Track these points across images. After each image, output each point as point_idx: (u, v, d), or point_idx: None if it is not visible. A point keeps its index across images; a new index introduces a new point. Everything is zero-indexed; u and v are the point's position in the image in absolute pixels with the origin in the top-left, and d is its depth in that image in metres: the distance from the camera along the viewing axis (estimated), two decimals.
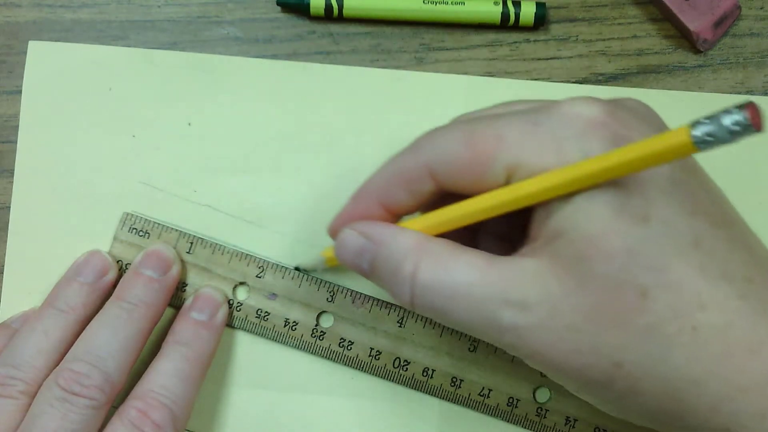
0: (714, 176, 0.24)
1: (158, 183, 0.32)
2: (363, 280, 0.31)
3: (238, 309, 0.31)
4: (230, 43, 0.33)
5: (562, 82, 0.33)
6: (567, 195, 0.22)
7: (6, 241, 0.32)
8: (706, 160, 0.23)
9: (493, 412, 0.31)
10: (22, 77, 0.33)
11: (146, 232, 0.32)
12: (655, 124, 0.24)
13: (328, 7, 0.33)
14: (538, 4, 0.33)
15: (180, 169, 0.33)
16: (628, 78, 0.34)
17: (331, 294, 0.31)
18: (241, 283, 0.32)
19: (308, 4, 0.33)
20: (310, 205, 0.32)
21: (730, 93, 0.33)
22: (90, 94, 0.33)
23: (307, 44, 0.33)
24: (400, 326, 0.31)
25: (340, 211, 0.27)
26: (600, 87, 0.33)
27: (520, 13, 0.33)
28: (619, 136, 0.22)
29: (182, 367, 0.29)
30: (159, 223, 0.32)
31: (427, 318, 0.31)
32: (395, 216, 0.26)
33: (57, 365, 0.28)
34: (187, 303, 0.31)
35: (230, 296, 0.31)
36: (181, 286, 0.31)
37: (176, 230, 0.32)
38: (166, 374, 0.28)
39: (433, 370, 0.31)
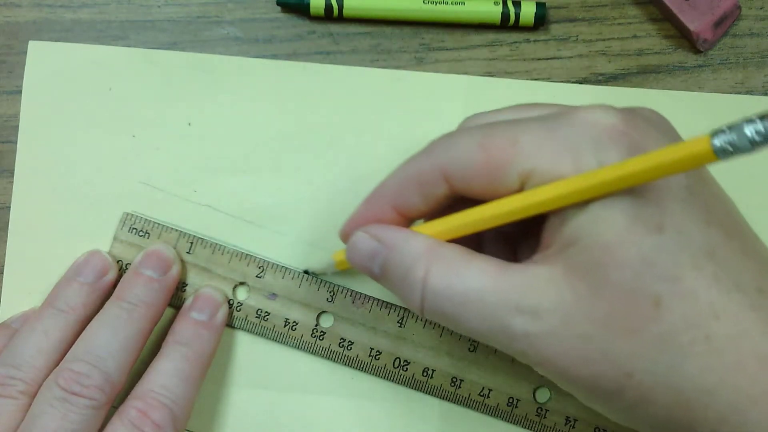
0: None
1: (158, 183, 0.32)
2: (367, 281, 0.31)
3: (238, 309, 0.31)
4: (230, 43, 0.33)
5: (562, 82, 0.33)
6: (582, 202, 0.21)
7: (6, 241, 0.32)
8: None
9: (493, 412, 0.31)
10: (22, 77, 0.33)
11: (146, 232, 0.32)
12: (670, 133, 0.24)
13: (328, 7, 0.33)
14: (538, 4, 0.33)
15: (180, 169, 0.33)
16: (628, 78, 0.34)
17: (331, 294, 0.31)
18: (241, 283, 0.32)
19: (308, 4, 0.33)
20: (310, 205, 0.32)
21: (730, 93, 0.33)
22: (90, 94, 0.33)
23: (307, 44, 0.33)
24: (400, 326, 0.31)
25: (352, 214, 0.27)
26: (600, 87, 0.33)
27: (520, 13, 0.33)
28: (635, 144, 0.22)
29: (182, 367, 0.29)
30: (159, 223, 0.32)
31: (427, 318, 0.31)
32: (408, 220, 0.26)
33: (57, 365, 0.28)
34: (187, 303, 0.31)
35: (230, 296, 0.31)
36: (181, 286, 0.31)
37: (176, 230, 0.32)
38: (166, 374, 0.28)
39: (433, 370, 0.31)
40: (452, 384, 0.31)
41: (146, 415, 0.27)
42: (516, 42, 0.34)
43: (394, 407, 0.32)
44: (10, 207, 0.32)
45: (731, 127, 0.18)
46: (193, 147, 0.33)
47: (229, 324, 0.32)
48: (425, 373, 0.31)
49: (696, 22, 0.33)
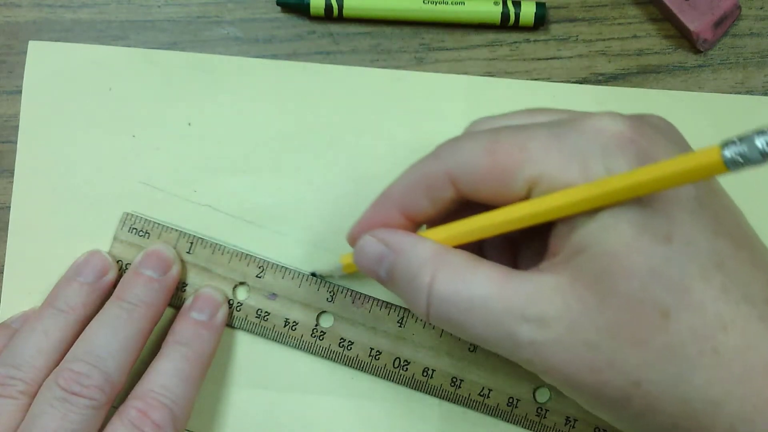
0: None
1: (158, 183, 0.32)
2: (367, 281, 0.31)
3: (238, 309, 0.31)
4: (230, 43, 0.33)
5: (562, 82, 0.33)
6: (591, 211, 0.21)
7: (6, 241, 0.32)
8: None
9: (493, 412, 0.31)
10: (22, 77, 0.33)
11: (146, 232, 0.32)
12: (679, 142, 0.24)
13: (328, 7, 0.33)
14: (538, 4, 0.33)
15: (180, 169, 0.33)
16: (628, 78, 0.34)
17: (331, 294, 0.31)
18: (241, 283, 0.32)
19: (308, 4, 0.33)
20: (310, 205, 0.32)
21: (730, 93, 0.33)
22: (90, 94, 0.33)
23: (307, 44, 0.33)
24: (400, 326, 0.31)
25: (360, 217, 0.27)
26: (600, 87, 0.33)
27: (520, 13, 0.33)
28: (644, 152, 0.22)
29: (182, 367, 0.29)
30: (159, 223, 0.32)
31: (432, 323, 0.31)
32: (415, 224, 0.26)
33: (57, 365, 0.28)
34: (187, 303, 0.31)
35: (230, 296, 0.31)
36: (181, 286, 0.31)
37: (176, 230, 0.32)
38: (166, 374, 0.28)
39: (433, 370, 0.31)
40: (452, 384, 0.31)
41: (146, 415, 0.27)
42: (516, 42, 0.34)
43: (394, 407, 0.32)
44: (10, 207, 0.32)
45: (742, 139, 0.18)
46: (193, 147, 0.33)
47: (229, 324, 0.32)
48: (425, 373, 0.31)
49: (696, 22, 0.33)
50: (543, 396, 0.31)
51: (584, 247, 0.21)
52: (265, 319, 0.31)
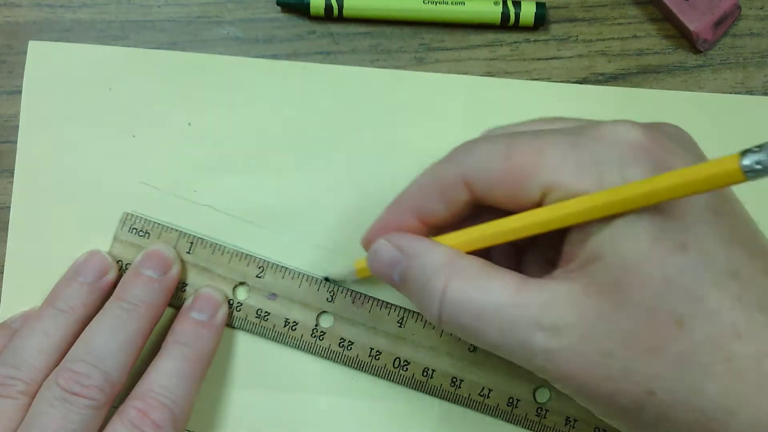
0: None
1: (158, 183, 0.32)
2: (367, 282, 0.31)
3: (238, 309, 0.31)
4: (230, 43, 0.33)
5: (562, 82, 0.33)
6: (605, 219, 0.21)
7: (6, 241, 0.32)
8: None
9: (493, 412, 0.31)
10: (22, 77, 0.33)
11: (146, 232, 0.32)
12: (693, 150, 0.24)
13: (328, 7, 0.33)
14: (538, 4, 0.33)
15: (180, 169, 0.33)
16: (628, 78, 0.34)
17: (331, 294, 0.31)
18: (241, 283, 0.32)
19: (308, 4, 0.33)
20: (310, 205, 0.32)
21: (730, 93, 0.33)
22: (90, 94, 0.33)
23: (307, 44, 0.33)
24: (400, 326, 0.31)
25: (374, 221, 0.27)
26: (600, 87, 0.33)
27: (520, 13, 0.33)
28: (660, 161, 0.22)
29: (182, 367, 0.29)
30: (159, 223, 0.32)
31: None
32: (430, 228, 0.26)
33: (57, 365, 0.28)
34: (187, 303, 0.31)
35: (230, 296, 0.31)
36: (181, 286, 0.31)
37: (176, 230, 0.32)
38: (166, 374, 0.28)
39: (433, 370, 0.31)
40: (452, 384, 0.31)
41: (146, 415, 0.27)
42: (516, 42, 0.34)
43: (394, 407, 0.32)
44: (10, 207, 0.32)
45: (761, 146, 0.18)
46: (193, 147, 0.33)
47: (229, 324, 0.32)
48: (425, 373, 0.31)
49: (696, 22, 0.33)
50: (543, 396, 0.31)
51: (599, 255, 0.22)
52: (265, 319, 0.31)
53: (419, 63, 0.34)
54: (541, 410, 0.31)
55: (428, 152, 0.33)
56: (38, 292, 0.31)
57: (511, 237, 0.24)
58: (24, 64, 0.33)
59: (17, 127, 0.33)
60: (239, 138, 0.33)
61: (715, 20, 0.33)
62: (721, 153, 0.32)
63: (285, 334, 0.31)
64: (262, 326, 0.31)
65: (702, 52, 0.34)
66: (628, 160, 0.22)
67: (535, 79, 0.33)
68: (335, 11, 0.33)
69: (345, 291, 0.31)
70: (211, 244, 0.32)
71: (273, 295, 0.31)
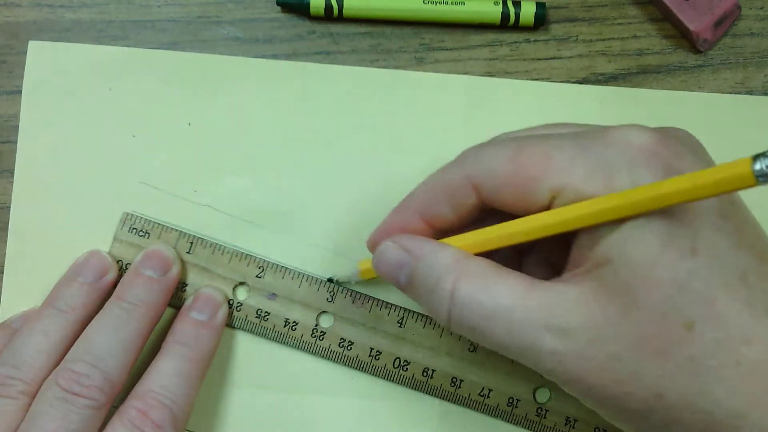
0: None
1: (158, 183, 0.32)
2: (366, 282, 0.31)
3: (238, 309, 0.31)
4: (230, 43, 0.33)
5: (562, 82, 0.33)
6: (615, 222, 0.22)
7: (6, 241, 0.32)
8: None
9: (493, 412, 0.31)
10: (22, 77, 0.33)
11: (146, 232, 0.32)
12: (702, 155, 0.24)
13: (328, 7, 0.33)
14: (538, 4, 0.33)
15: (180, 169, 0.33)
16: (628, 78, 0.34)
17: (331, 294, 0.31)
18: (241, 283, 0.32)
19: (308, 4, 0.33)
20: (310, 205, 0.32)
21: (730, 93, 0.33)
22: (90, 94, 0.33)
23: (307, 44, 0.33)
24: (400, 326, 0.31)
25: (380, 223, 0.27)
26: (600, 87, 0.33)
27: (520, 13, 0.33)
28: (669, 165, 0.22)
29: (182, 367, 0.29)
30: (159, 223, 0.32)
31: (427, 318, 0.31)
32: (436, 231, 0.26)
33: (57, 365, 0.28)
34: (187, 303, 0.31)
35: (230, 296, 0.31)
36: (181, 286, 0.31)
37: (176, 230, 0.32)
38: (166, 374, 0.28)
39: (433, 370, 0.31)
40: (452, 384, 0.31)
41: (146, 415, 0.27)
42: (516, 42, 0.34)
43: (394, 407, 0.32)
44: (10, 207, 0.32)
45: None
46: (193, 147, 0.33)
47: (229, 324, 0.32)
48: (425, 373, 0.31)
49: (696, 22, 0.33)
50: (543, 396, 0.31)
51: (608, 258, 0.22)
52: (265, 319, 0.31)
53: (419, 63, 0.34)
54: (541, 410, 0.31)
55: (428, 152, 0.33)
56: (38, 292, 0.31)
57: (520, 239, 0.24)
58: (24, 64, 0.33)
59: (17, 127, 0.33)
60: (239, 138, 0.33)
61: (715, 20, 0.33)
62: (721, 153, 0.32)
63: (285, 334, 0.31)
64: (262, 326, 0.31)
65: (702, 52, 0.34)
66: (638, 163, 0.22)
67: (535, 79, 0.33)
68: (335, 11, 0.33)
69: (345, 291, 0.31)
70: (211, 244, 0.32)
71: (273, 295, 0.31)
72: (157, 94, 0.33)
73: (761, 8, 0.34)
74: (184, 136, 0.33)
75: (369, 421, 0.32)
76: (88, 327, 0.29)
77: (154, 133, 0.33)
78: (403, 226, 0.26)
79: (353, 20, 0.34)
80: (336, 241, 0.32)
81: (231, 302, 0.31)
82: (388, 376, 0.31)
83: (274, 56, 0.33)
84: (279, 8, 0.34)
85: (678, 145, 0.23)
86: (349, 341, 0.31)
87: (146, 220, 0.32)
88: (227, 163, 0.33)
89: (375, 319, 0.31)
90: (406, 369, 0.31)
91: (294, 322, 0.31)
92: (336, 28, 0.34)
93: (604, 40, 0.34)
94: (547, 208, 0.23)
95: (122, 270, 0.31)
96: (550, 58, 0.34)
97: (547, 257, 0.27)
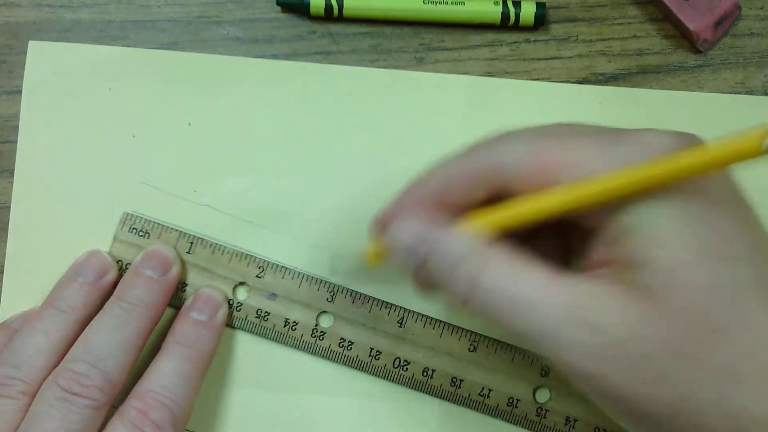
0: None
1: (158, 183, 0.32)
2: (366, 282, 0.31)
3: (238, 309, 0.31)
4: (230, 43, 0.33)
5: (562, 81, 0.33)
6: (650, 225, 0.21)
7: (6, 241, 0.32)
8: None
9: (493, 412, 0.31)
10: (22, 77, 0.33)
11: (146, 232, 0.32)
12: None
13: (328, 7, 0.33)
14: (538, 4, 0.33)
15: (180, 169, 0.33)
16: (628, 78, 0.34)
17: (331, 294, 0.31)
18: (241, 283, 0.32)
19: (308, 4, 0.33)
20: (310, 205, 0.32)
21: (730, 93, 0.33)
22: (90, 94, 0.33)
23: (307, 44, 0.33)
24: (400, 326, 0.31)
25: (389, 203, 0.26)
26: (600, 87, 0.33)
27: (520, 13, 0.33)
28: None
29: (182, 367, 0.29)
30: (159, 223, 0.32)
31: (427, 318, 0.31)
32: (447, 213, 0.25)
33: (57, 365, 0.28)
34: (187, 303, 0.31)
35: (230, 296, 0.31)
36: (181, 286, 0.31)
37: (176, 230, 0.32)
38: (166, 374, 0.28)
39: (433, 370, 0.31)
40: (452, 384, 0.31)
41: (146, 415, 0.27)
42: (516, 42, 0.34)
43: (394, 407, 0.32)
44: (10, 207, 0.32)
45: None
46: (193, 147, 0.33)
47: (229, 324, 0.32)
48: (425, 373, 0.31)
49: (696, 22, 0.33)
50: (543, 396, 0.31)
51: (642, 260, 0.21)
52: (265, 319, 0.31)
53: (419, 63, 0.34)
54: (541, 410, 0.31)
55: (428, 152, 0.32)
56: (38, 292, 0.31)
57: (546, 215, 0.23)
58: (24, 64, 0.33)
59: (17, 127, 0.33)
60: (239, 138, 0.33)
61: (715, 20, 0.33)
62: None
63: (285, 334, 0.31)
64: (262, 326, 0.31)
65: (702, 52, 0.34)
66: None
67: (535, 79, 0.33)
68: (335, 11, 0.33)
69: (345, 291, 0.31)
70: (211, 244, 0.32)
71: (273, 295, 0.31)
72: (157, 94, 0.33)
73: (761, 8, 0.34)
74: (184, 136, 0.33)
75: (369, 421, 0.32)
76: (88, 327, 0.29)
77: (154, 133, 0.33)
78: (414, 207, 0.25)
79: (353, 20, 0.34)
80: (336, 241, 0.32)
81: (231, 302, 0.31)
82: (388, 376, 0.31)
83: (274, 56, 0.33)
84: (279, 8, 0.34)
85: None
86: (349, 341, 0.31)
87: (146, 220, 0.32)
88: (227, 163, 0.33)
89: (375, 319, 0.31)
90: (406, 369, 0.31)
91: (294, 322, 0.31)
92: (336, 28, 0.34)
93: (604, 40, 0.34)
94: None
95: (122, 270, 0.31)
96: (550, 58, 0.34)
97: (550, 247, 0.27)
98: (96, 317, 0.29)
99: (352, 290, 0.32)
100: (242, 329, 0.32)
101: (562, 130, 0.24)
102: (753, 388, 0.21)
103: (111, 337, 0.28)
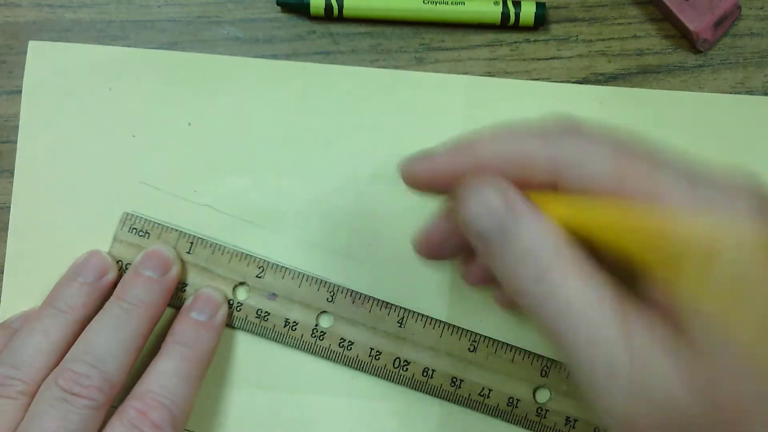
0: None
1: (158, 183, 0.32)
2: (367, 281, 0.31)
3: (238, 309, 0.31)
4: (230, 43, 0.33)
5: (562, 82, 0.33)
6: (719, 300, 0.20)
7: (6, 241, 0.32)
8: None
9: (493, 412, 0.31)
10: (22, 77, 0.33)
11: (146, 232, 0.32)
12: None
13: (328, 7, 0.33)
14: (538, 4, 0.33)
15: (180, 169, 0.33)
16: (628, 78, 0.34)
17: (331, 294, 0.31)
18: (241, 284, 0.32)
19: (308, 4, 0.33)
20: (310, 205, 0.32)
21: (730, 93, 0.33)
22: (90, 94, 0.33)
23: (307, 44, 0.33)
24: (400, 326, 0.31)
25: (430, 151, 0.24)
26: (600, 87, 0.33)
27: (520, 13, 0.33)
28: None
29: (182, 368, 0.29)
30: (159, 223, 0.32)
31: (427, 318, 0.31)
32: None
33: (57, 365, 0.28)
34: (187, 303, 0.31)
35: (230, 296, 0.31)
36: (181, 286, 0.31)
37: (176, 230, 0.32)
38: (166, 374, 0.28)
39: (433, 370, 0.31)
40: (452, 384, 0.31)
41: (145, 415, 0.27)
42: (516, 42, 0.34)
43: (394, 407, 0.32)
44: (10, 207, 0.32)
45: None
46: (193, 147, 0.33)
47: (229, 324, 0.32)
48: (425, 373, 0.31)
49: (696, 22, 0.33)
50: (543, 396, 0.31)
51: (709, 340, 0.20)
52: (265, 319, 0.31)
53: (419, 63, 0.34)
54: (541, 410, 0.31)
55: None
56: (38, 292, 0.31)
57: (629, 239, 0.21)
58: (24, 64, 0.33)
59: (17, 127, 0.33)
60: (239, 138, 0.33)
61: (715, 20, 0.33)
62: (721, 153, 0.33)
63: (285, 334, 0.31)
64: (262, 326, 0.31)
65: (702, 52, 0.34)
66: (749, 211, 0.20)
67: (535, 79, 0.33)
68: (335, 11, 0.33)
69: (345, 291, 0.31)
70: (211, 244, 0.32)
71: (273, 295, 0.31)
72: (157, 94, 0.33)
73: (761, 8, 0.34)
74: (184, 136, 0.33)
75: (369, 421, 0.32)
76: (87, 327, 0.29)
77: (154, 133, 0.33)
78: (460, 170, 0.23)
79: (353, 20, 0.34)
80: (336, 241, 0.32)
81: (231, 302, 0.31)
82: (388, 376, 0.31)
83: (274, 56, 0.33)
84: (279, 8, 0.34)
85: None
86: (349, 341, 0.31)
87: (146, 220, 0.32)
88: (227, 163, 0.33)
89: (375, 319, 0.31)
90: (406, 369, 0.31)
91: (294, 322, 0.31)
92: (336, 28, 0.34)
93: (604, 40, 0.34)
94: None
95: (122, 270, 0.31)
96: (550, 58, 0.34)
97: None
98: (96, 317, 0.29)
99: (352, 290, 0.32)
100: (242, 329, 0.32)
101: (646, 151, 0.22)
102: None
103: (111, 338, 0.28)
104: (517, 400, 0.31)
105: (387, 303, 0.31)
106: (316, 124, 0.33)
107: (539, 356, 0.31)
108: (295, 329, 0.31)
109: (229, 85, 0.33)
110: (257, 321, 0.31)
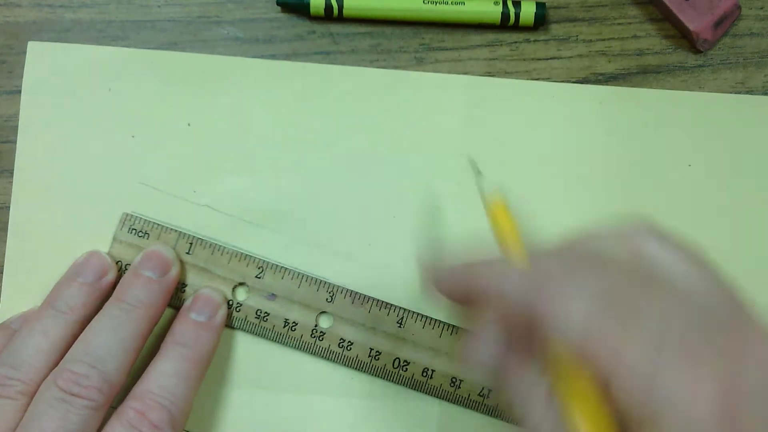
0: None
1: (158, 183, 0.32)
2: (366, 281, 0.31)
3: (237, 309, 0.31)
4: (230, 43, 0.33)
5: (562, 81, 0.33)
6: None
7: (6, 241, 0.32)
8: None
9: (493, 412, 0.31)
10: (22, 77, 0.33)
11: (145, 233, 0.32)
12: None
13: (328, 7, 0.33)
14: (538, 4, 0.33)
15: (180, 169, 0.33)
16: (628, 78, 0.34)
17: (331, 294, 0.31)
18: (241, 284, 0.32)
19: (308, 4, 0.33)
20: (309, 205, 0.32)
21: (730, 93, 0.33)
22: (90, 94, 0.33)
23: (307, 44, 0.33)
24: (399, 326, 0.31)
25: (445, 265, 0.25)
26: (600, 87, 0.33)
27: (520, 13, 0.33)
28: None
29: (181, 368, 0.29)
30: (158, 224, 0.32)
31: (427, 318, 0.31)
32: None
33: (56, 365, 0.28)
34: (187, 304, 0.31)
35: (230, 297, 0.31)
36: (180, 286, 0.31)
37: (175, 231, 0.32)
38: (165, 375, 0.28)
39: (433, 370, 0.31)
40: (452, 384, 0.31)
41: (144, 415, 0.27)
42: (516, 42, 0.34)
43: (394, 407, 0.32)
44: (9, 207, 0.32)
45: None
46: (193, 147, 0.33)
47: (229, 324, 0.32)
48: (425, 374, 0.31)
49: (696, 22, 0.33)
50: None
51: None
52: (265, 319, 0.31)
53: (419, 63, 0.33)
54: None
55: (428, 152, 0.33)
56: (38, 292, 0.31)
57: None
58: (24, 64, 0.33)
59: (17, 127, 0.33)
60: (239, 138, 0.33)
61: (715, 20, 0.33)
62: (721, 153, 0.33)
63: (284, 335, 0.31)
64: (262, 327, 0.31)
65: (702, 52, 0.34)
66: None
67: (535, 79, 0.33)
68: (335, 11, 0.33)
69: (345, 291, 0.31)
70: (210, 245, 0.32)
71: (272, 296, 0.31)
72: (156, 94, 0.33)
73: (761, 8, 0.34)
74: (183, 136, 0.33)
75: (369, 421, 0.31)
76: (87, 328, 0.29)
77: (154, 134, 0.33)
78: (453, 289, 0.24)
79: (353, 20, 0.34)
80: (336, 241, 0.32)
81: (230, 303, 0.31)
82: (387, 377, 0.31)
83: (274, 56, 0.33)
84: (279, 8, 0.34)
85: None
86: (349, 341, 0.31)
87: (145, 220, 0.32)
88: (227, 163, 0.33)
89: (375, 320, 0.31)
90: (406, 369, 0.31)
91: (293, 322, 0.31)
92: (336, 28, 0.34)
93: (604, 40, 0.34)
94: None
95: (122, 270, 0.31)
96: (550, 58, 0.34)
97: None
98: (95, 318, 0.29)
99: (352, 290, 0.32)
100: (242, 330, 0.32)
101: (628, 302, 0.19)
102: None
103: (110, 338, 0.28)
104: None
105: (386, 303, 0.31)
106: (315, 124, 0.33)
107: None
108: (295, 329, 0.31)
109: (228, 85, 0.33)
110: (257, 321, 0.31)
